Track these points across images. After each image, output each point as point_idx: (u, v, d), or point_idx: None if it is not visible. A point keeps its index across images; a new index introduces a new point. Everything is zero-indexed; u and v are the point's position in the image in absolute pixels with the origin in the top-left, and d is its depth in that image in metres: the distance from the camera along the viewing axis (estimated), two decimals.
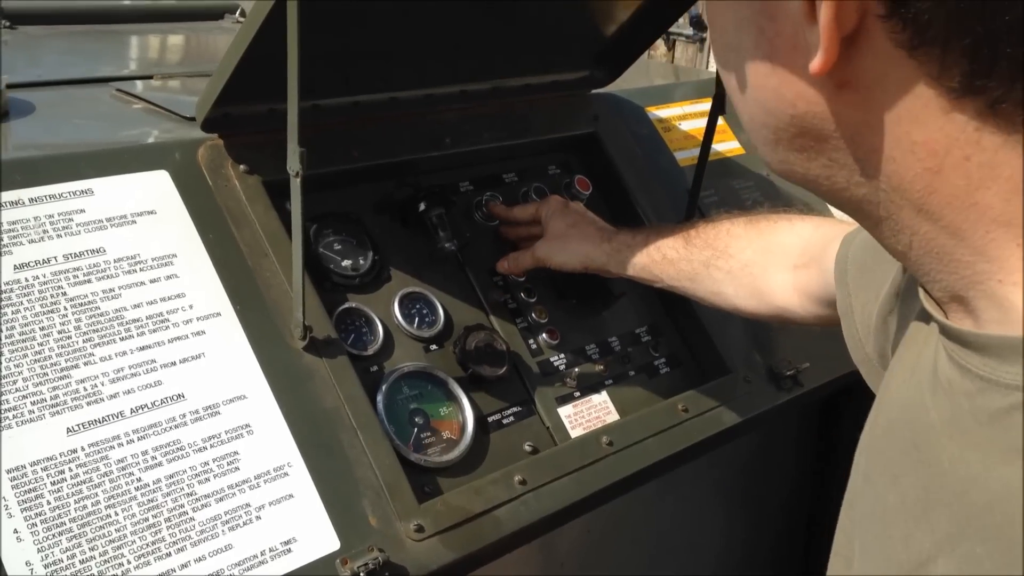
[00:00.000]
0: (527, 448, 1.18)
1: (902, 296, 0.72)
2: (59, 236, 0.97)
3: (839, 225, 1.07)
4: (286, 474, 0.97)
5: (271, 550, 0.93)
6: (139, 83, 1.29)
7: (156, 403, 0.94)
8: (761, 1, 0.50)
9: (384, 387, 1.11)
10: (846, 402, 1.61)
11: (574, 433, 1.23)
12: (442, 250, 1.22)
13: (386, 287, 1.20)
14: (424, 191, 1.25)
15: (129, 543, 0.86)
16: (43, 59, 1.49)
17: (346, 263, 1.18)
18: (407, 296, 1.20)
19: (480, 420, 1.16)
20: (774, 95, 0.53)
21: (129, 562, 0.86)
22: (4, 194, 0.95)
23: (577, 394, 1.26)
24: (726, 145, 1.65)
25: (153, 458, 0.91)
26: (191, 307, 1.01)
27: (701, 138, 1.42)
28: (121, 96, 1.25)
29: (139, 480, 0.90)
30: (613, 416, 1.27)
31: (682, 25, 3.56)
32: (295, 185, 0.99)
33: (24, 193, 0.96)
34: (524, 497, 1.10)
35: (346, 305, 1.14)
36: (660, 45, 3.61)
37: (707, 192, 1.53)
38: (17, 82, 1.19)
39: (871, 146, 0.51)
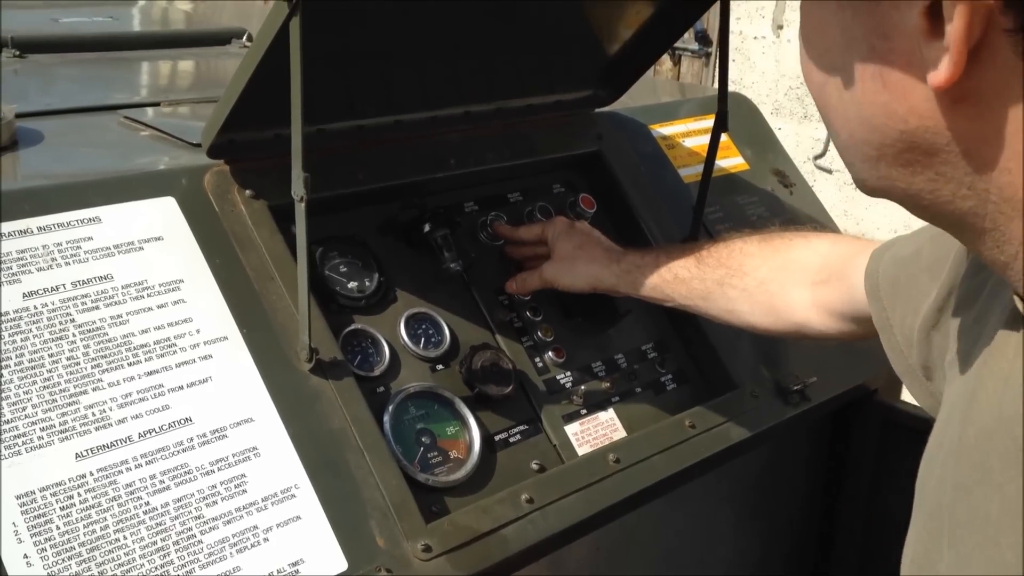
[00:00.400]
0: (534, 466, 1.18)
1: (958, 310, 0.72)
2: (67, 264, 0.98)
3: (857, 242, 1.08)
4: (293, 496, 0.98)
5: (279, 572, 0.93)
6: (147, 110, 1.31)
7: (164, 427, 0.95)
8: (873, 19, 0.51)
9: (391, 407, 1.11)
10: (855, 416, 1.60)
11: (581, 451, 1.23)
12: (447, 270, 1.23)
13: (392, 308, 1.20)
14: (428, 212, 1.25)
15: (138, 567, 0.87)
16: (52, 87, 1.51)
17: (352, 285, 1.19)
18: (413, 317, 1.20)
19: (487, 439, 1.17)
20: (883, 111, 0.53)
21: None
22: (12, 223, 0.96)
23: (584, 412, 1.27)
24: (730, 161, 1.66)
25: (161, 482, 0.92)
26: (198, 332, 1.02)
27: (705, 154, 1.43)
28: (129, 124, 1.26)
29: (147, 504, 0.91)
30: (620, 433, 1.27)
31: (688, 40, 3.57)
32: (299, 210, 1.00)
33: (32, 222, 0.98)
34: (532, 515, 1.10)
35: (352, 327, 1.15)
36: (666, 60, 3.63)
37: (711, 208, 1.54)
38: (26, 111, 1.21)
39: (985, 158, 0.51)
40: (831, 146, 3.30)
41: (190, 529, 0.91)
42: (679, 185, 1.55)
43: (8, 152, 1.11)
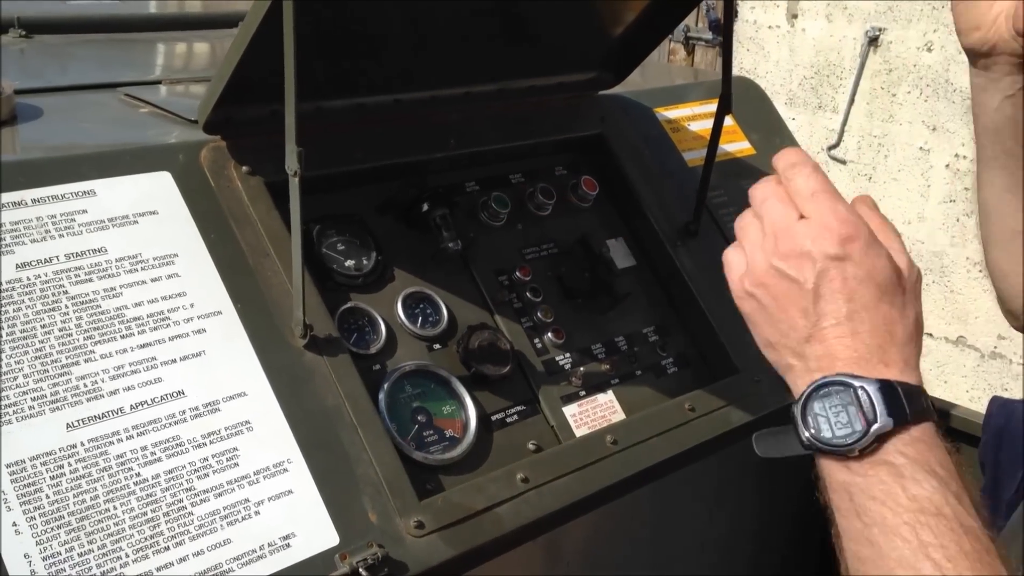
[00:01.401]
0: (531, 447, 1.17)
1: None
2: (61, 236, 0.98)
3: None
4: (286, 470, 0.97)
5: (270, 545, 0.93)
6: (148, 88, 1.30)
7: (156, 400, 0.95)
8: None
9: (386, 385, 1.11)
10: None
11: (579, 432, 1.22)
12: (446, 250, 1.23)
13: (389, 287, 1.20)
14: (428, 191, 1.25)
15: (127, 537, 0.87)
16: (55, 66, 1.51)
17: (349, 263, 1.18)
18: (410, 296, 1.20)
19: (483, 419, 1.16)
20: None
21: (127, 555, 0.86)
22: (7, 195, 0.96)
23: (583, 393, 1.26)
24: (736, 145, 1.64)
25: (152, 454, 0.92)
26: (192, 306, 1.02)
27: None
28: (128, 100, 1.26)
29: (138, 475, 0.91)
30: (619, 415, 1.26)
31: (701, 30, 3.55)
32: (293, 185, 1.00)
33: (27, 194, 0.98)
34: (526, 495, 1.09)
35: (349, 304, 1.15)
36: (679, 50, 3.61)
37: (715, 192, 1.52)
38: (27, 87, 1.21)
39: None
40: (845, 136, 3.27)
41: (180, 501, 0.91)
42: (683, 169, 1.53)
43: (7, 127, 1.11)
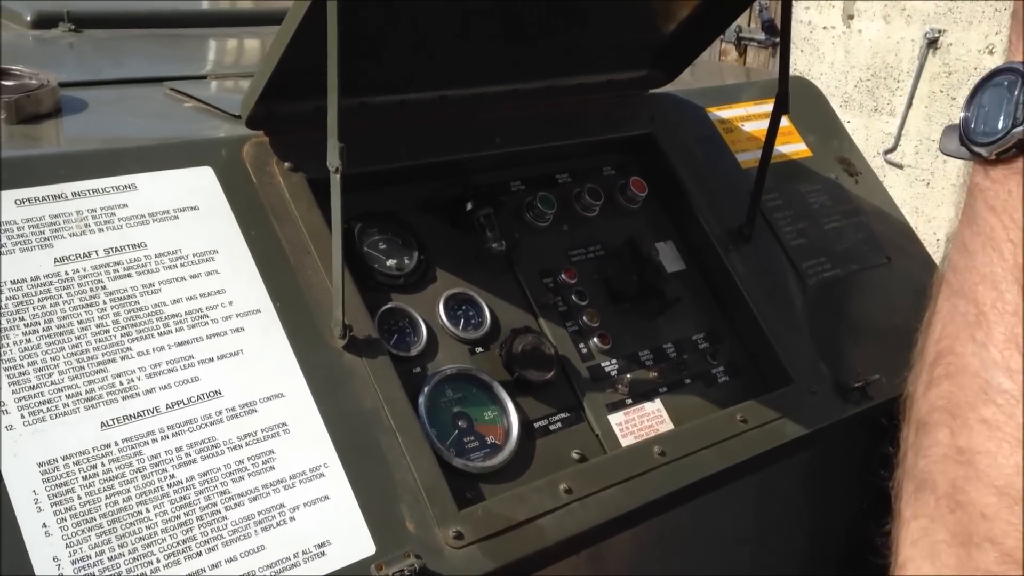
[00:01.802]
0: (575, 456, 1.13)
1: None
2: (100, 230, 0.96)
3: None
4: (322, 475, 0.95)
5: (304, 552, 0.90)
6: (194, 83, 1.29)
7: (192, 399, 0.93)
8: None
9: (426, 389, 1.08)
10: None
11: (625, 442, 1.18)
12: (490, 251, 1.19)
13: (431, 288, 1.17)
14: (472, 190, 1.22)
15: (160, 541, 0.85)
16: (102, 60, 1.50)
17: (391, 263, 1.15)
18: (453, 297, 1.17)
19: (526, 425, 1.12)
20: None
21: (159, 560, 0.84)
22: (47, 188, 0.95)
23: (629, 401, 1.22)
24: (792, 147, 1.59)
25: (187, 455, 0.90)
26: (231, 303, 1.00)
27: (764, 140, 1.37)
28: (173, 95, 1.25)
29: (172, 477, 0.88)
30: (667, 425, 1.22)
31: (754, 30, 3.48)
32: (335, 181, 0.97)
33: (67, 187, 0.96)
34: (570, 506, 1.06)
35: (389, 305, 1.12)
36: (731, 51, 3.54)
37: (770, 195, 1.47)
38: (73, 80, 1.20)
39: None
40: (902, 141, 3.18)
41: (215, 504, 0.89)
42: (736, 170, 1.48)
43: (51, 119, 1.10)
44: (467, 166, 1.27)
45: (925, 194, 3.18)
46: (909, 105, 3.13)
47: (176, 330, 0.96)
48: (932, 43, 3.04)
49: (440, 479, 1.00)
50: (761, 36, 3.42)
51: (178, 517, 0.87)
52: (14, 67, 1.12)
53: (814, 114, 1.66)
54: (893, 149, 3.20)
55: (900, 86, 3.18)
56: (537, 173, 1.33)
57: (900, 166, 3.20)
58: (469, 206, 1.20)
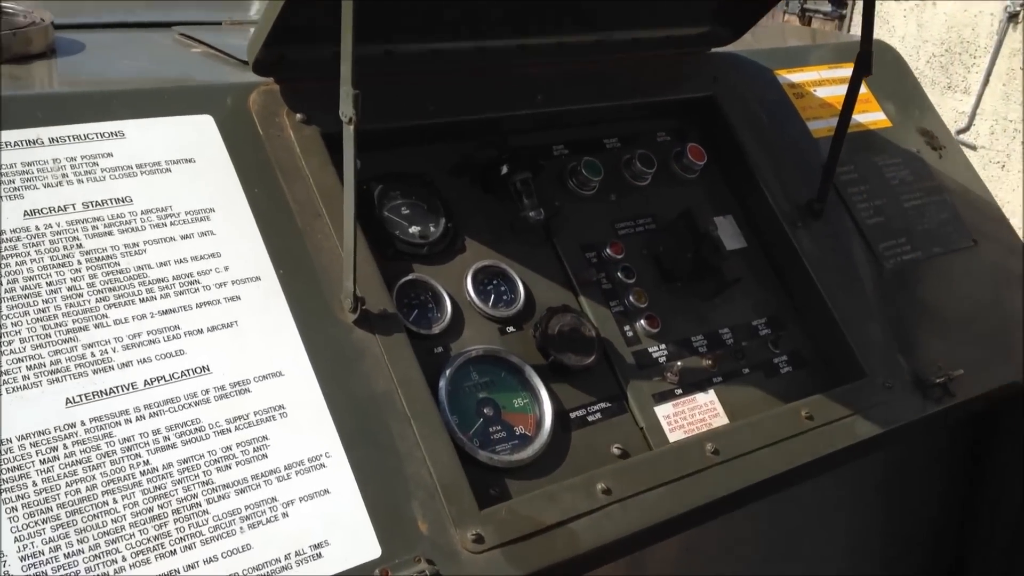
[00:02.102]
0: (615, 451, 1.01)
1: None
2: (80, 181, 0.85)
3: None
4: (323, 465, 0.83)
5: (298, 554, 0.78)
6: (206, 28, 1.18)
7: (176, 375, 0.81)
8: None
9: (448, 371, 0.95)
10: (1006, 418, 1.36)
11: (672, 437, 1.05)
12: (526, 220, 1.07)
13: (459, 259, 1.05)
14: (508, 153, 1.10)
15: (127, 536, 0.73)
16: (113, 3, 1.39)
17: (414, 229, 1.03)
18: (483, 270, 1.05)
19: (560, 415, 1.00)
20: None
21: (124, 559, 0.73)
22: (18, 132, 0.84)
23: (679, 391, 1.09)
24: (869, 116, 1.44)
25: (166, 439, 0.79)
26: (226, 269, 0.88)
27: (840, 106, 1.23)
28: (182, 40, 1.14)
29: (146, 464, 0.77)
30: (721, 420, 1.09)
31: (819, 1, 3.28)
32: (348, 133, 0.85)
33: (43, 132, 0.85)
34: (608, 508, 0.93)
35: (410, 277, 1.00)
36: (795, 22, 3.35)
37: (844, 168, 1.34)
38: (73, 22, 1.09)
39: None
40: (977, 120, 2.97)
41: (195, 496, 0.77)
42: (807, 139, 1.34)
43: (41, 60, 0.99)
44: (504, 126, 1.14)
45: (1000, 177, 2.97)
46: (985, 83, 2.92)
47: (161, 296, 0.84)
48: (1013, 17, 2.84)
49: (460, 474, 0.87)
50: (827, 7, 3.23)
51: (150, 510, 0.75)
52: (6, 3, 1.02)
53: (894, 81, 1.50)
54: (966, 129, 3.00)
55: (976, 62, 2.97)
56: (582, 136, 1.21)
57: (973, 147, 2.99)
58: (505, 170, 1.08)
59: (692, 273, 1.15)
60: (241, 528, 0.77)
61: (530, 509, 0.90)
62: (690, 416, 1.08)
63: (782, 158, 1.28)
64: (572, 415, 1.01)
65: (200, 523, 0.76)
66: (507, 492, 0.92)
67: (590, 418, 1.02)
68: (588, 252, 1.13)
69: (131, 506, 0.75)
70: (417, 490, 0.85)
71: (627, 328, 1.10)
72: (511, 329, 1.03)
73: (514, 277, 1.06)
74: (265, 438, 0.82)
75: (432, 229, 1.04)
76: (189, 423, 0.80)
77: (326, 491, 0.82)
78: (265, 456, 0.81)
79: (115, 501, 0.74)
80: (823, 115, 1.38)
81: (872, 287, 1.24)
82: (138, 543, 0.74)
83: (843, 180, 1.32)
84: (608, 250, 1.13)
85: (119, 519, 0.74)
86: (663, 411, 1.07)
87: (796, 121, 1.35)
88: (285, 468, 0.82)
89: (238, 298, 0.87)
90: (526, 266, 1.08)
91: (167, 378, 0.81)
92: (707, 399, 1.10)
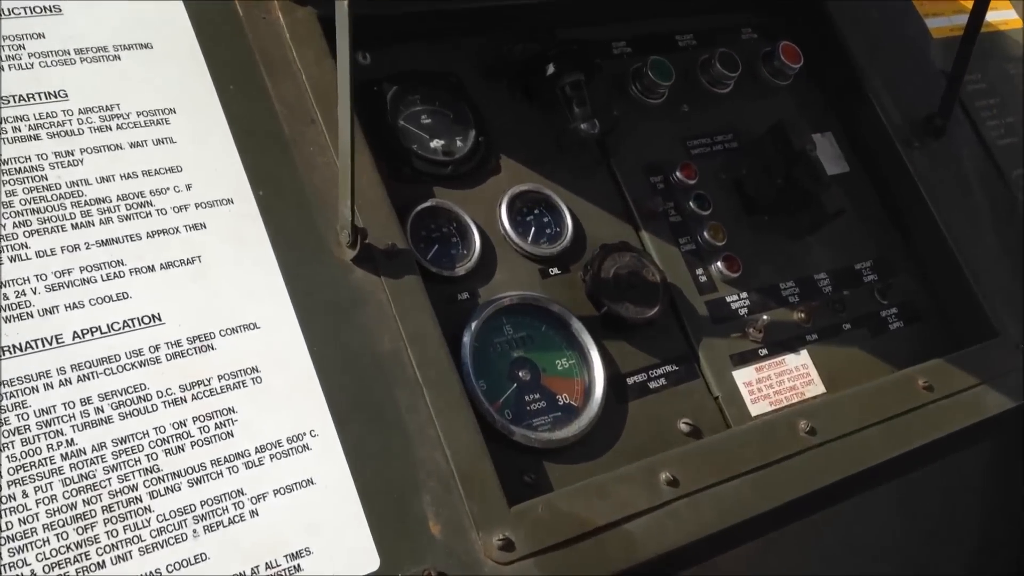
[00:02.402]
0: (683, 427, 0.83)
1: None
2: None
3: None
4: (306, 448, 0.64)
5: (268, 567, 0.60)
6: None
7: (115, 326, 0.63)
8: None
9: (475, 324, 0.77)
10: None
11: (756, 409, 0.88)
12: (577, 133, 0.90)
13: (492, 182, 0.87)
14: (555, 49, 0.92)
15: (39, 543, 0.56)
16: None
17: (436, 144, 0.84)
18: (521, 196, 0.87)
19: (615, 381, 0.83)
20: None
21: (33, 572, 0.54)
22: None
23: (763, 352, 0.91)
24: (1000, 14, 1.27)
25: (98, 410, 0.60)
26: (188, 188, 0.69)
27: (969, 2, 1.07)
28: None
29: (71, 444, 0.59)
30: (816, 388, 0.92)
31: None
32: (342, 11, 0.64)
33: None
34: (674, 505, 0.75)
35: (430, 203, 0.81)
36: None
37: (971, 76, 1.18)
38: None
39: None
40: None
41: (133, 488, 0.59)
42: (925, 40, 1.16)
43: None
44: (551, 14, 0.96)
45: None
46: None
47: (101, 222, 0.65)
48: None
49: (484, 457, 0.69)
50: None
51: (72, 507, 0.57)
52: None
53: None
54: None
55: None
56: (649, 31, 1.03)
57: None
58: (551, 70, 0.91)
59: (782, 204, 0.97)
60: (194, 531, 0.59)
61: (574, 505, 0.71)
62: (777, 383, 0.90)
63: (895, 63, 1.11)
64: (629, 381, 0.84)
65: (139, 525, 0.58)
66: (545, 481, 0.74)
67: (652, 385, 0.84)
68: (653, 176, 0.95)
69: (46, 501, 0.57)
70: (429, 480, 0.67)
71: (700, 272, 0.92)
72: (555, 271, 0.85)
73: (560, 205, 0.88)
74: (231, 411, 0.63)
75: (459, 143, 0.87)
76: (131, 390, 0.61)
77: (309, 482, 0.63)
78: (230, 435, 0.63)
79: (24, 495, 0.56)
80: (945, 11, 1.21)
81: (1005, 223, 1.06)
82: (53, 552, 0.56)
83: (970, 91, 1.15)
84: (678, 173, 0.95)
85: (29, 519, 0.56)
86: (744, 376, 0.88)
87: (913, 18, 1.18)
88: (256, 451, 0.63)
89: (202, 226, 0.68)
90: (575, 192, 0.90)
91: (104, 330, 0.62)
92: (799, 362, 0.92)
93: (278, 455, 0.63)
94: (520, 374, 0.78)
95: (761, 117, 1.01)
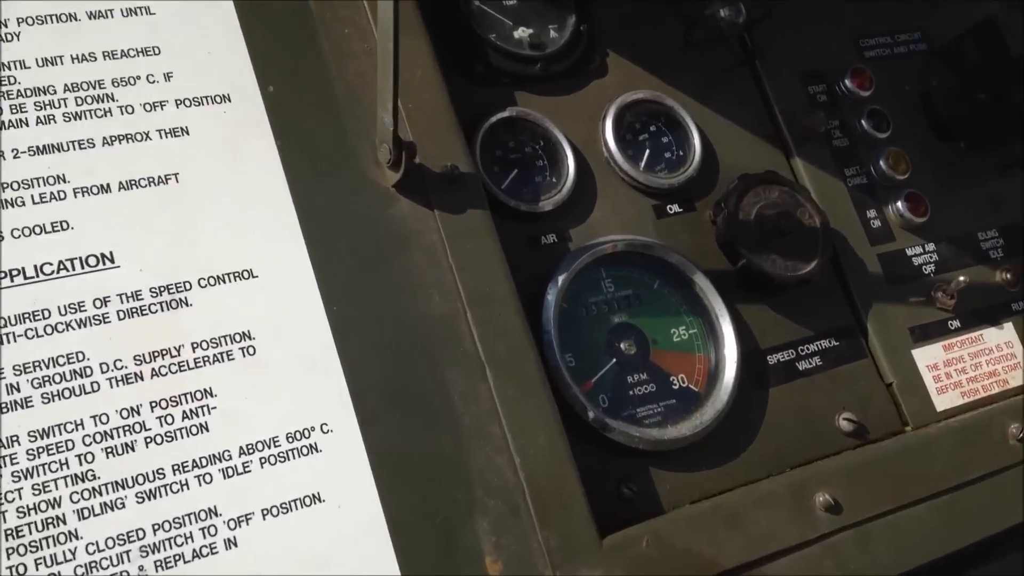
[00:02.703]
0: (844, 425, 0.64)
1: None
2: None
3: None
4: (314, 449, 0.46)
5: None
6: None
7: (47, 268, 0.45)
8: None
9: (562, 278, 0.57)
10: None
11: (943, 402, 0.68)
12: (715, 22, 0.71)
13: (594, 86, 0.68)
14: None
15: None
16: None
17: (522, 32, 0.65)
18: (633, 107, 0.68)
19: (751, 359, 0.63)
20: None
21: None
22: None
23: (955, 324, 0.70)
24: None
25: (12, 388, 0.43)
26: (167, 77, 0.51)
27: None
28: None
29: None
30: None
31: None
32: None
33: None
34: (834, 539, 0.54)
35: (508, 112, 0.61)
36: None
37: None
38: None
39: None
40: None
41: (55, 503, 0.42)
42: None
43: None
44: None
45: None
46: None
47: (38, 121, 0.47)
48: None
49: (567, 465, 0.51)
50: None
51: None
52: None
53: None
54: None
55: None
56: None
57: None
58: None
59: (986, 127, 0.75)
60: (141, 569, 0.41)
61: (693, 537, 0.51)
62: (973, 367, 0.69)
63: None
64: (771, 360, 0.64)
65: (58, 558, 0.41)
66: (652, 498, 0.55)
67: (802, 365, 0.64)
68: (813, 84, 0.75)
69: None
70: (488, 499, 0.48)
71: (872, 215, 0.71)
72: (675, 208, 0.65)
73: (686, 121, 0.69)
74: (207, 394, 0.45)
75: (552, 33, 0.67)
76: (61, 361, 0.44)
77: (316, 498, 0.45)
78: (203, 428, 0.45)
79: None
80: None
81: None
82: None
83: None
84: (847, 82, 0.75)
85: None
86: (927, 356, 0.68)
87: None
88: (241, 453, 0.45)
89: (183, 132, 0.50)
90: (707, 104, 0.70)
91: (30, 273, 0.45)
92: (1002, 338, 0.72)
93: (273, 459, 0.45)
94: (622, 346, 0.58)
95: (959, 12, 0.78)
